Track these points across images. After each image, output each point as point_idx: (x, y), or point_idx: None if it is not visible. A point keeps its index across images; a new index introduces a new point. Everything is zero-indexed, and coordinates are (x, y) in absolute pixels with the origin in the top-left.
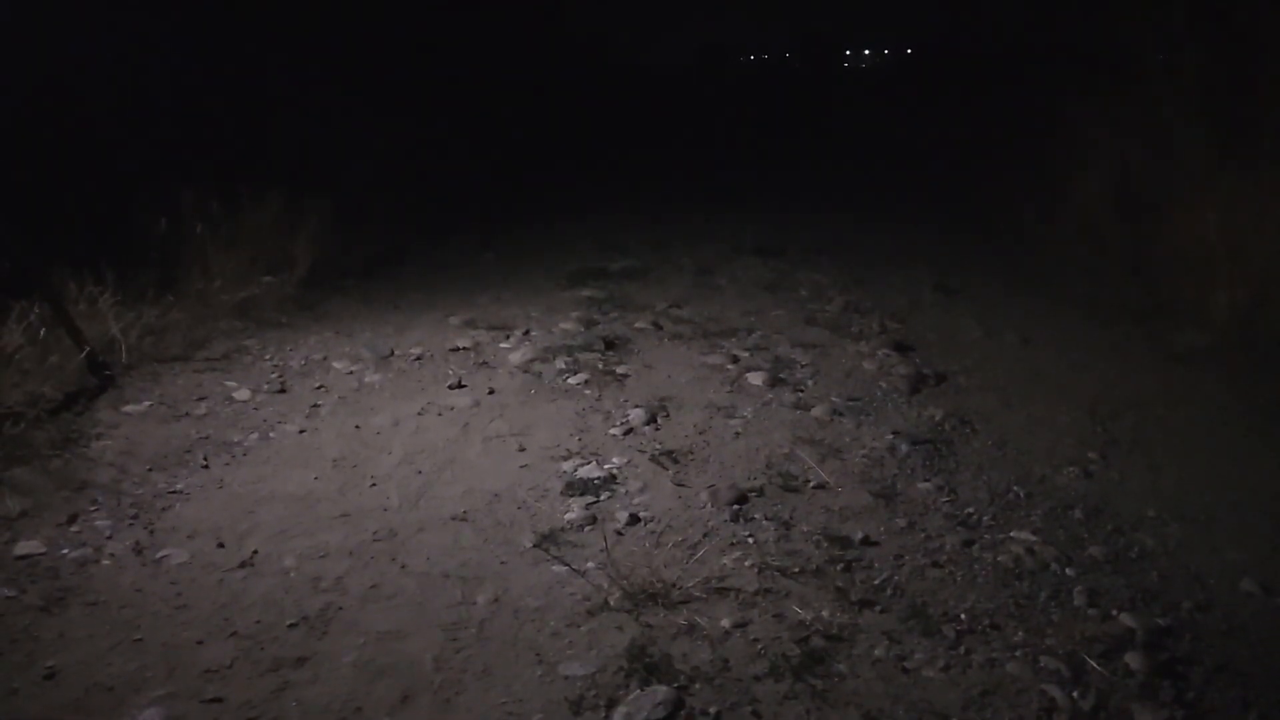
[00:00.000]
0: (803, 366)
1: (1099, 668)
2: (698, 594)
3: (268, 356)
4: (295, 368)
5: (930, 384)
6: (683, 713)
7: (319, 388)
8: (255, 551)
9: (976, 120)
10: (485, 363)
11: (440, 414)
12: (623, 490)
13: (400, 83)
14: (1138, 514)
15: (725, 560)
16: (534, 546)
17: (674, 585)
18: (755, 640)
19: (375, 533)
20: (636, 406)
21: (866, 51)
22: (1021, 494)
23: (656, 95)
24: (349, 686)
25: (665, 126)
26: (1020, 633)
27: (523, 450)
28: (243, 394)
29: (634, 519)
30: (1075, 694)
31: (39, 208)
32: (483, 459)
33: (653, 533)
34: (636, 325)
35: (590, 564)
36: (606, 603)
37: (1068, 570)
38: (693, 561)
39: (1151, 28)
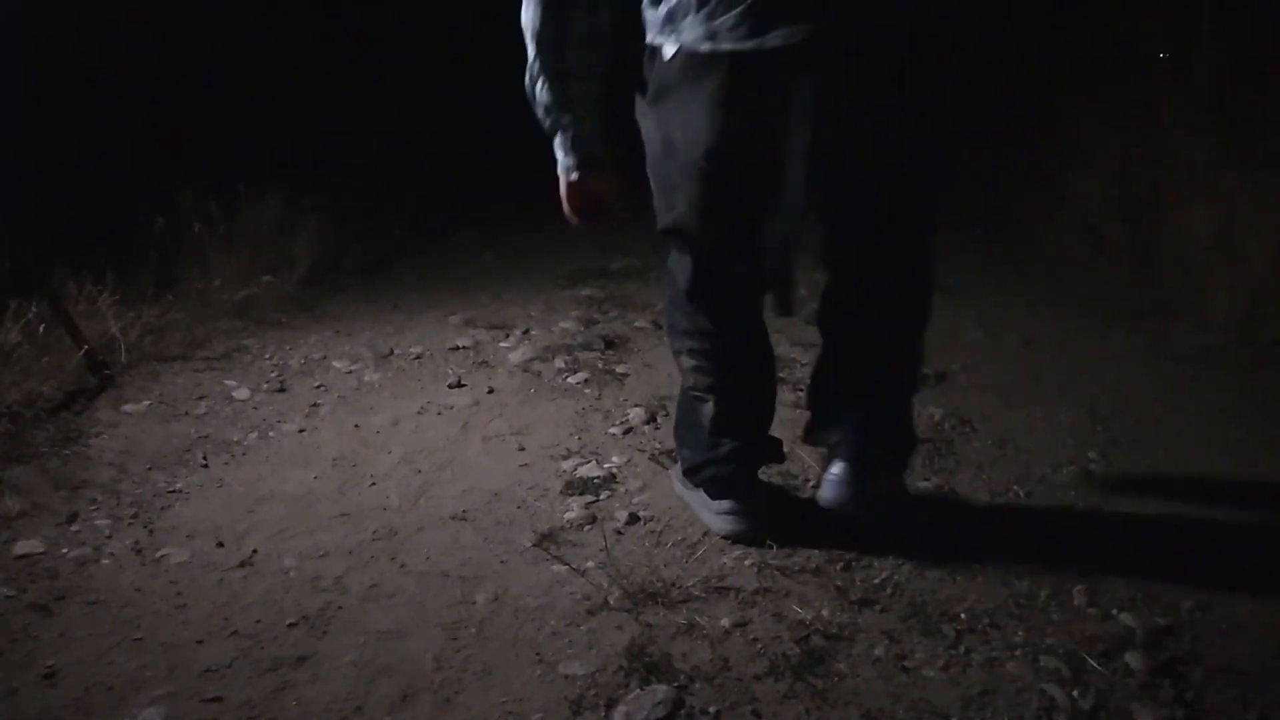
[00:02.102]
0: (802, 365)
1: (1099, 667)
2: (697, 593)
3: (267, 356)
4: (295, 367)
5: (930, 383)
6: (682, 712)
7: (318, 387)
8: (255, 551)
9: (976, 119)
10: (485, 362)
11: (440, 413)
12: (622, 489)
13: (401, 81)
14: (1137, 513)
15: (725, 559)
16: (534, 546)
17: (673, 584)
18: (755, 639)
19: (375, 532)
20: (636, 406)
21: None
22: (1021, 493)
23: None
24: (349, 686)
25: None
26: (1020, 632)
27: (522, 449)
28: (242, 393)
29: (634, 518)
30: (1075, 693)
31: (38, 207)
32: (482, 458)
33: (652, 532)
34: (636, 324)
35: (590, 563)
36: (606, 602)
37: (1068, 570)
38: (692, 561)
39: (1160, 23)
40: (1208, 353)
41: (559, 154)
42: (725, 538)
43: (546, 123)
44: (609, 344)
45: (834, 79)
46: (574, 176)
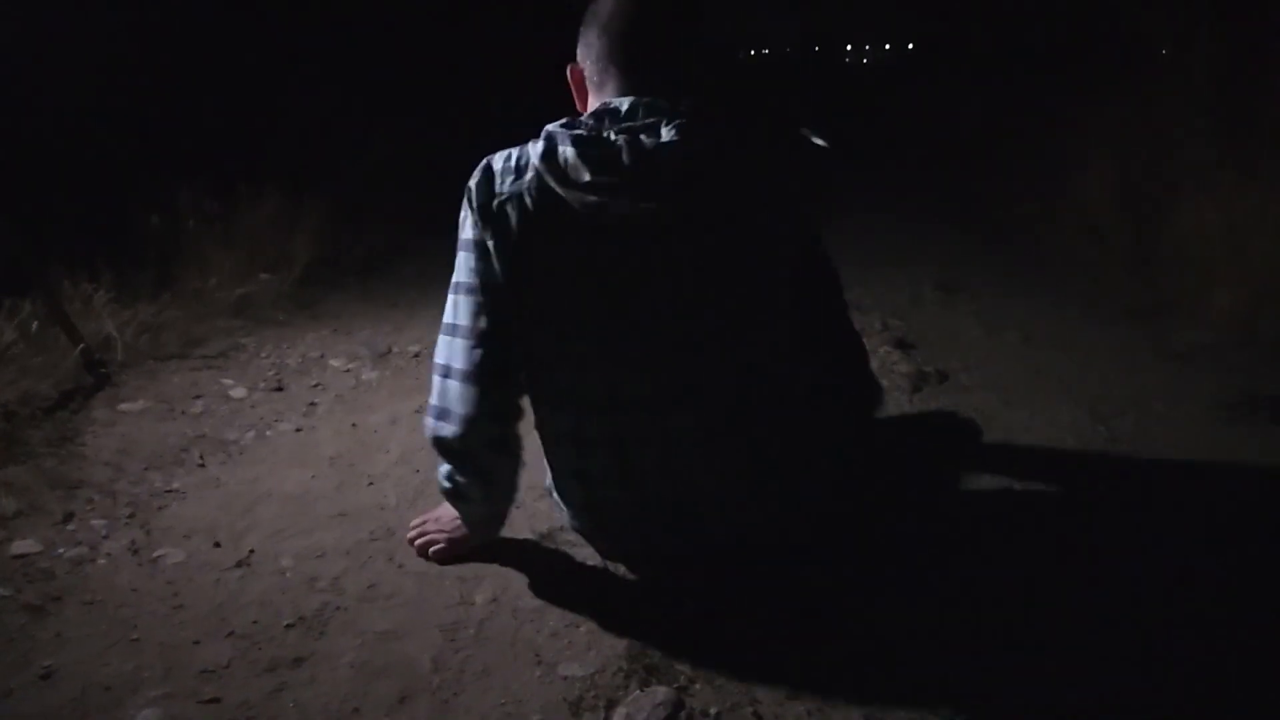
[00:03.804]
0: None
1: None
2: (696, 591)
3: (265, 354)
4: (292, 366)
5: (932, 382)
6: (683, 713)
7: (316, 386)
8: (252, 551)
9: (976, 116)
10: None
11: None
12: None
13: (400, 80)
14: (1138, 512)
15: (724, 557)
16: (533, 545)
17: (672, 583)
18: (755, 637)
19: (372, 532)
20: None
21: (867, 47)
22: (1021, 493)
23: None
24: (347, 687)
25: None
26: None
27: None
28: (239, 392)
29: None
30: None
31: (34, 205)
32: None
33: None
34: None
35: (589, 563)
36: (606, 602)
37: (1068, 568)
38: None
39: (1161, 22)
40: (1209, 351)
41: (481, 506)
42: None
43: (490, 481)
44: None
45: None
46: (468, 533)
